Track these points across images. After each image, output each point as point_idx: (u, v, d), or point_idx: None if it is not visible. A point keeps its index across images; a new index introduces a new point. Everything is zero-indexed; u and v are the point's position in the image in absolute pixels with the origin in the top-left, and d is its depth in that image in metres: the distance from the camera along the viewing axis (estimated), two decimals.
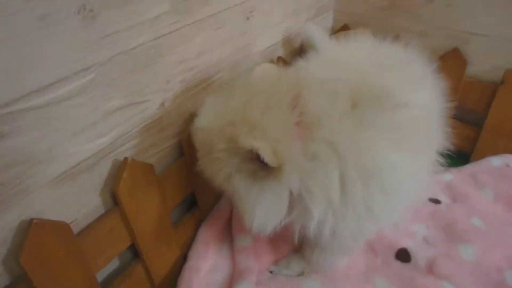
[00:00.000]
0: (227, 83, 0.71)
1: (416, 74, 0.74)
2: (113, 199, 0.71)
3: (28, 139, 0.54)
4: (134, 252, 0.79)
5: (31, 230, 0.55)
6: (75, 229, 0.65)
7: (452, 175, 1.08)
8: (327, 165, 0.59)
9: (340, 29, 1.31)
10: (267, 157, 0.55)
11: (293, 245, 0.89)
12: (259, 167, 0.59)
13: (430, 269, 0.83)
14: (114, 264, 0.79)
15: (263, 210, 0.62)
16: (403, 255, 0.87)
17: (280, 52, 1.11)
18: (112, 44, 0.62)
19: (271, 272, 0.86)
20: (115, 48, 0.63)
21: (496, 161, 1.08)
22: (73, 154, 0.62)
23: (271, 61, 1.07)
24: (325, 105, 0.61)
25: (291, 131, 0.59)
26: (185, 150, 0.82)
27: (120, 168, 0.69)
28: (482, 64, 1.10)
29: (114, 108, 0.66)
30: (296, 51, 1.18)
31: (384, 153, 0.61)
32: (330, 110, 0.60)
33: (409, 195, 0.67)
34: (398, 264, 0.86)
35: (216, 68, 0.88)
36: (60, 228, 0.60)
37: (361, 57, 0.75)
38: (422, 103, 0.68)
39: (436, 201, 1.02)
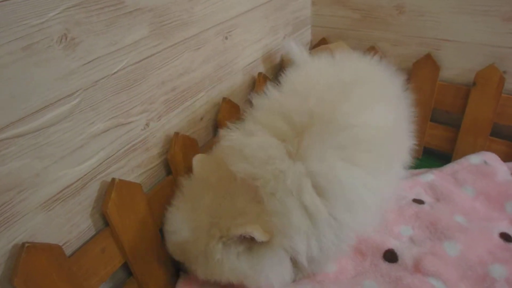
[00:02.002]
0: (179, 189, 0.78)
1: (377, 91, 0.79)
2: (104, 219, 0.72)
3: (16, 166, 0.56)
4: (127, 271, 0.80)
5: (24, 253, 0.56)
6: (68, 251, 0.66)
7: (433, 176, 1.11)
8: (285, 211, 0.65)
9: (319, 43, 1.35)
10: (261, 235, 0.63)
11: None
12: (252, 242, 0.66)
13: (417, 267, 0.85)
14: (107, 284, 0.80)
15: (275, 273, 0.69)
16: (390, 256, 0.89)
17: (261, 68, 1.15)
18: (94, 69, 0.65)
19: None
20: (98, 73, 0.65)
21: (475, 159, 1.11)
22: (61, 178, 0.64)
23: (252, 77, 1.11)
24: (255, 164, 0.66)
25: (257, 203, 0.66)
26: (172, 169, 0.84)
27: (108, 188, 0.70)
28: (454, 68, 1.14)
29: (100, 131, 0.68)
30: (277, 66, 1.22)
31: (336, 168, 0.66)
32: (260, 166, 0.66)
33: (370, 208, 0.71)
34: (385, 265, 0.87)
35: (198, 87, 0.90)
36: (52, 250, 0.61)
37: (327, 73, 0.81)
38: (377, 123, 0.73)
39: (420, 202, 1.04)
